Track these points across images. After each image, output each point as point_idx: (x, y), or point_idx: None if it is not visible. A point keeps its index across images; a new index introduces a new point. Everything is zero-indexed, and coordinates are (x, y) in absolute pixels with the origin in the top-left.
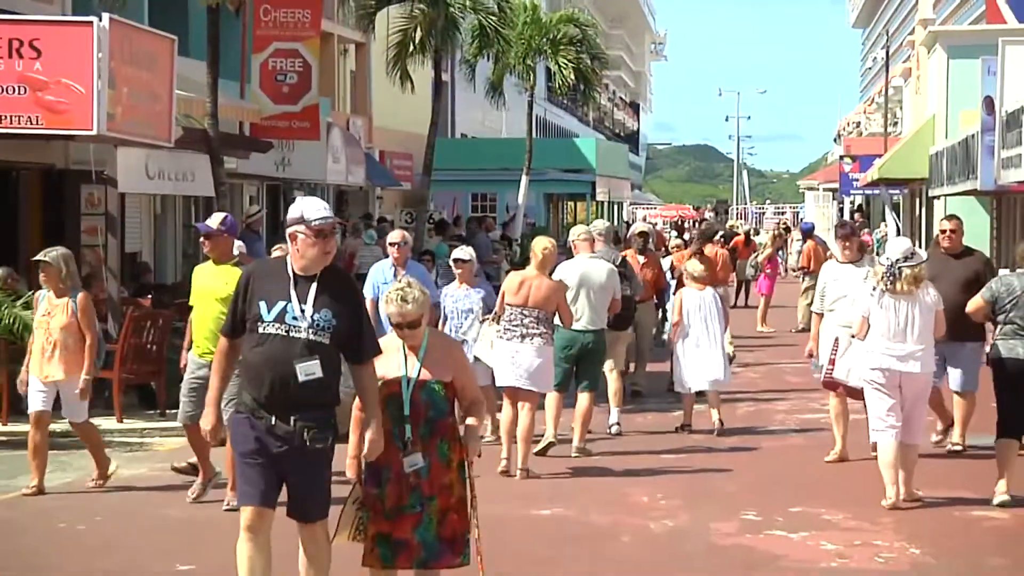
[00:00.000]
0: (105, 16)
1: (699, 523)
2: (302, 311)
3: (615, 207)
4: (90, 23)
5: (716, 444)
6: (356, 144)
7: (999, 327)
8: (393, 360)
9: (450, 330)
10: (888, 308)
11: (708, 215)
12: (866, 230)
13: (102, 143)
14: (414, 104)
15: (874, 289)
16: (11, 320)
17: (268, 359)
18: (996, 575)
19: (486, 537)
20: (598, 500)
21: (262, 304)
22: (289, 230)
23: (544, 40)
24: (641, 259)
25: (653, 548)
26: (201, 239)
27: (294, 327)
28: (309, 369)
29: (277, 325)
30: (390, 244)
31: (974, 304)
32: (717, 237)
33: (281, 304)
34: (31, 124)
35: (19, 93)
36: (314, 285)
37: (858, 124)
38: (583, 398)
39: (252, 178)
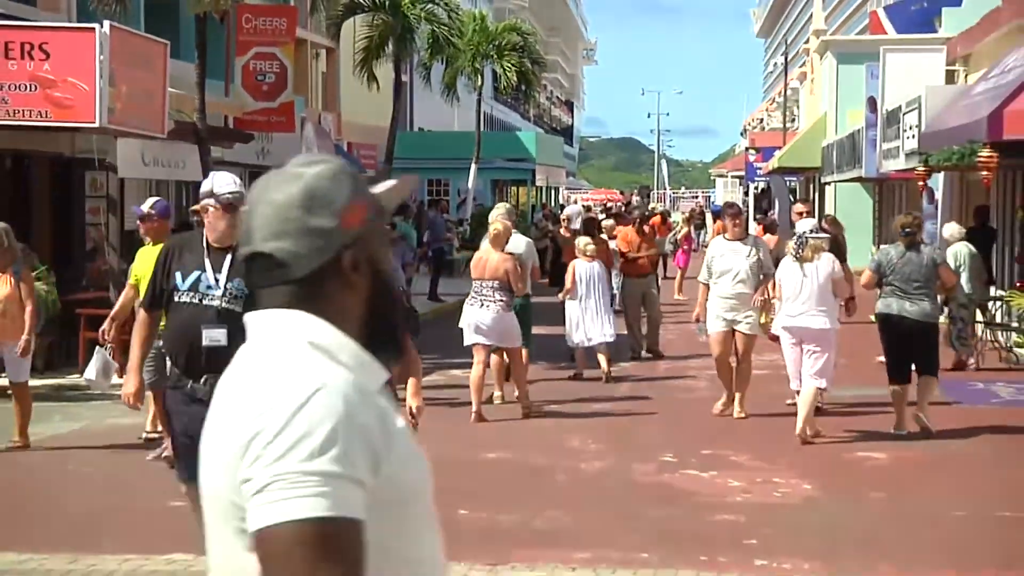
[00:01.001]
0: (106, 23)
1: (623, 464)
2: (216, 280)
3: (552, 191)
4: (92, 29)
5: (638, 396)
6: (327, 136)
7: (884, 289)
8: None
9: None
10: (796, 273)
11: (635, 199)
12: (771, 212)
13: (103, 134)
14: (377, 101)
15: (794, 259)
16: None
17: (182, 325)
18: (875, 506)
19: (444, 477)
20: (537, 445)
21: (178, 275)
22: (200, 203)
23: (490, 47)
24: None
25: (584, 485)
26: (136, 222)
27: (207, 295)
28: (214, 336)
29: (191, 294)
30: None
31: (866, 277)
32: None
33: (196, 274)
34: (41, 117)
35: (30, 90)
36: (229, 256)
37: (761, 120)
38: (524, 354)
39: (236, 165)
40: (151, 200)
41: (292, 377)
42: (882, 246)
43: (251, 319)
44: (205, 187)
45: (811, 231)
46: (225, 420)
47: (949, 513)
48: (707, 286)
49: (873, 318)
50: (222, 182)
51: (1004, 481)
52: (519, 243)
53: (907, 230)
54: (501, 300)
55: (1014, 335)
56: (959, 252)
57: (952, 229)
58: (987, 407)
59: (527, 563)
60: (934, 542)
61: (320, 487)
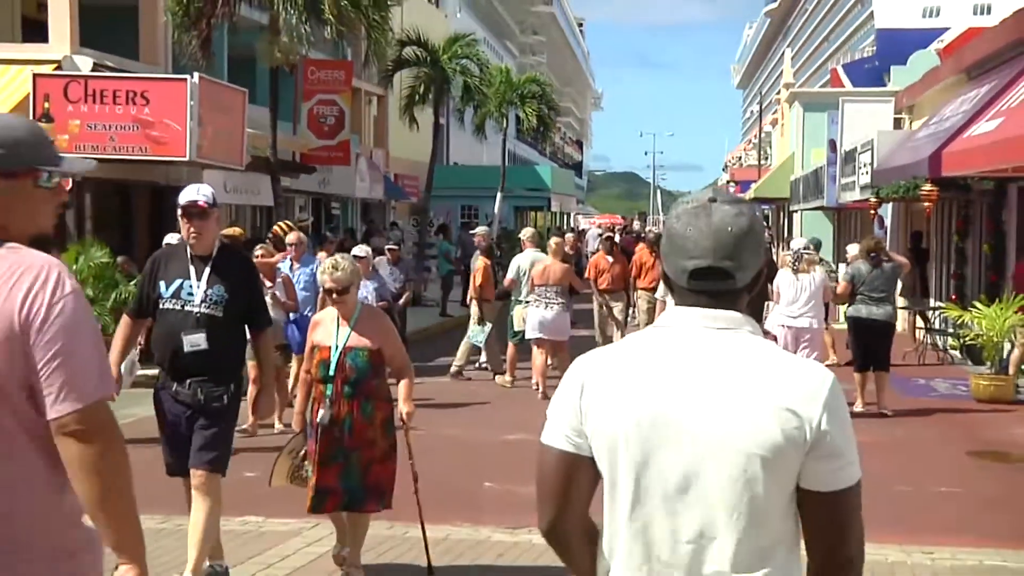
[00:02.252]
0: (196, 74)
1: None
2: (196, 287)
3: (564, 216)
4: (184, 79)
5: None
6: (377, 169)
7: (856, 298)
8: (328, 329)
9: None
10: (792, 283)
11: (636, 223)
12: None
13: (192, 167)
14: (419, 140)
15: (792, 271)
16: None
17: (166, 331)
18: None
19: (471, 456)
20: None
21: (162, 284)
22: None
23: (514, 95)
24: (610, 258)
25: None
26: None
27: (188, 302)
28: (194, 341)
29: (174, 301)
30: (288, 244)
31: (842, 287)
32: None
33: (178, 282)
34: (141, 152)
35: (133, 130)
36: (209, 264)
37: (740, 158)
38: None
39: (301, 193)
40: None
41: (808, 362)
42: (854, 263)
43: (719, 314)
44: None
45: (805, 248)
46: (755, 379)
47: (895, 488)
48: (663, 303)
49: (842, 320)
50: (186, 193)
51: (941, 461)
52: (543, 258)
53: (873, 254)
54: (560, 302)
55: (949, 339)
56: (859, 269)
57: (854, 250)
58: (927, 399)
59: (489, 525)
60: (882, 513)
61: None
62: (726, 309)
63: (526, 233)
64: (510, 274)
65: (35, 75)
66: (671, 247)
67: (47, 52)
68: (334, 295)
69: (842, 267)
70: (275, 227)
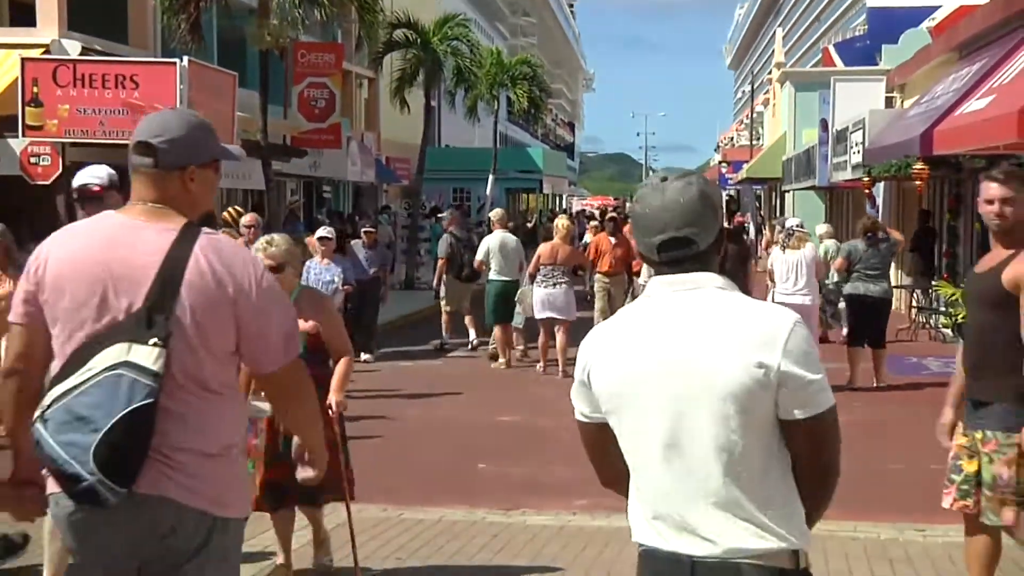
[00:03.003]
0: (185, 58)
1: None
2: None
3: (557, 198)
4: (174, 63)
5: None
6: (368, 152)
7: (852, 275)
8: None
9: None
10: (783, 260)
11: (628, 204)
12: (737, 213)
13: None
14: (410, 123)
15: (782, 249)
16: None
17: None
18: None
19: (466, 437)
20: (543, 411)
21: None
22: None
23: (505, 77)
24: (612, 240)
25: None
26: None
27: None
28: None
29: None
30: (245, 227)
31: (838, 263)
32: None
33: None
34: (131, 136)
35: (123, 114)
36: None
37: (732, 138)
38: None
39: (292, 176)
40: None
41: (772, 308)
42: (850, 240)
43: (683, 277)
44: None
45: (798, 225)
46: (720, 331)
47: (888, 467)
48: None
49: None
50: (80, 176)
51: (933, 440)
52: (511, 239)
53: (869, 234)
54: (565, 281)
55: (941, 318)
56: (828, 247)
57: (823, 229)
58: (919, 377)
59: (535, 508)
60: (875, 491)
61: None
62: (695, 272)
63: (495, 214)
64: (479, 255)
65: (23, 59)
66: (638, 228)
67: (35, 36)
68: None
69: (830, 244)
70: (225, 213)
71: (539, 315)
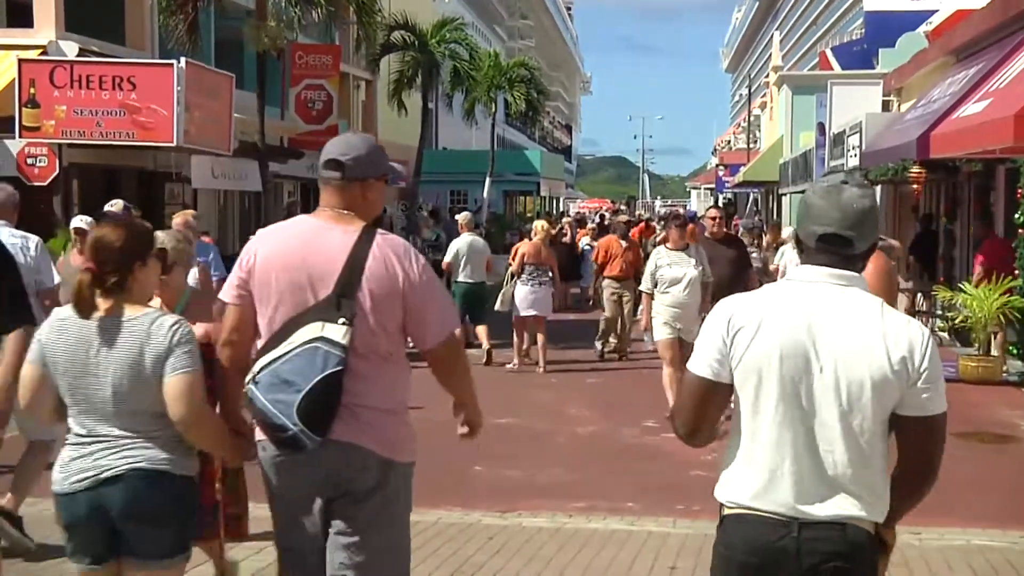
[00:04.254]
0: (183, 60)
1: (612, 429)
2: None
3: (554, 200)
4: (171, 65)
5: (626, 372)
6: None
7: None
8: None
9: None
10: (796, 260)
11: (622, 207)
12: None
13: (180, 152)
14: (408, 125)
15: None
16: None
17: None
18: None
19: (466, 440)
20: (540, 413)
21: None
22: None
23: (503, 79)
24: (624, 243)
25: (579, 447)
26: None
27: None
28: None
29: None
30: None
31: None
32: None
33: None
34: (128, 138)
35: (120, 115)
36: None
37: (729, 141)
38: (481, 330)
39: (289, 178)
40: (118, 202)
41: (911, 320)
42: None
43: (840, 272)
44: None
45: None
46: (869, 327)
47: None
48: (651, 295)
49: None
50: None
51: None
52: (479, 242)
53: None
54: (548, 280)
55: (938, 321)
56: (785, 251)
57: (788, 232)
58: None
59: (531, 511)
60: None
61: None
62: (845, 269)
63: (463, 218)
64: (448, 258)
65: (20, 60)
66: (807, 215)
67: (32, 37)
68: None
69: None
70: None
71: (525, 312)
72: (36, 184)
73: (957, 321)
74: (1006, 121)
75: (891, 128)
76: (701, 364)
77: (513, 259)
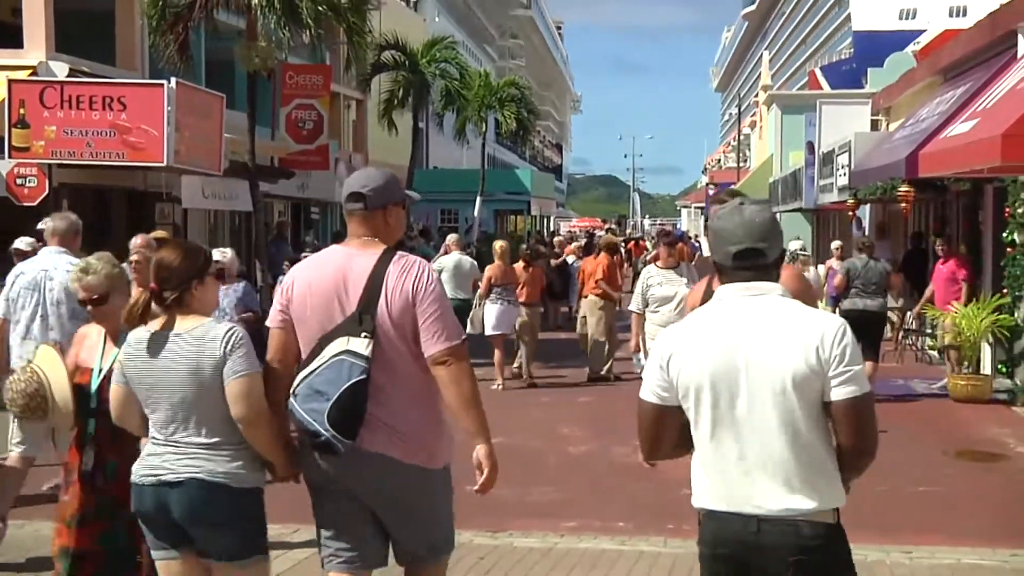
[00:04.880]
0: (173, 80)
1: (604, 448)
2: None
3: (545, 219)
4: (161, 85)
5: (618, 392)
6: None
7: (851, 291)
8: (93, 347)
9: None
10: None
11: (613, 226)
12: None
13: (170, 172)
14: (399, 144)
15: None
16: None
17: None
18: None
19: (456, 460)
20: (532, 432)
21: None
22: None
23: (493, 99)
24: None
25: (570, 466)
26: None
27: None
28: None
29: None
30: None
31: (838, 279)
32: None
33: None
34: (118, 158)
35: (110, 136)
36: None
37: (719, 160)
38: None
39: (280, 198)
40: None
41: (823, 314)
42: (848, 259)
43: (753, 284)
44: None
45: (800, 249)
46: (784, 330)
47: (874, 488)
48: (641, 315)
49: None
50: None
51: (919, 461)
52: (465, 261)
53: (862, 247)
54: (513, 299)
55: (927, 339)
56: (854, 264)
57: (795, 245)
58: (906, 399)
59: (523, 531)
60: (861, 513)
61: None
62: (761, 281)
63: (451, 238)
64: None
65: (10, 81)
66: (718, 239)
67: (22, 58)
68: (88, 306)
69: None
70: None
71: (495, 331)
72: (26, 205)
73: (946, 339)
74: (993, 141)
75: (880, 147)
76: (648, 392)
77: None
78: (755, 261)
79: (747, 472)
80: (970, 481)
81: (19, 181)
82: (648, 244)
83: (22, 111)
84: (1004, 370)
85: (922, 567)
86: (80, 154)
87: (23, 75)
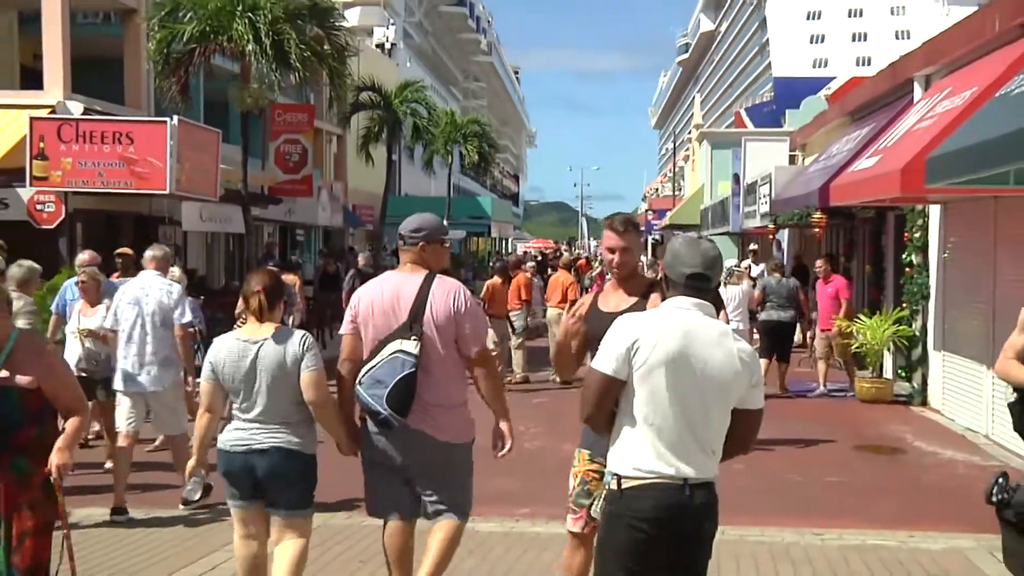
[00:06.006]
0: (175, 117)
1: (556, 443)
2: None
3: (503, 241)
4: (165, 122)
5: (567, 394)
6: (337, 200)
7: (766, 304)
8: None
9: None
10: (724, 293)
11: (563, 248)
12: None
13: (172, 199)
14: (374, 174)
15: (724, 285)
16: None
17: None
18: (736, 475)
19: None
20: (489, 429)
21: None
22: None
23: (458, 134)
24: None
25: (525, 460)
26: None
27: None
28: None
29: None
30: (79, 266)
31: (756, 294)
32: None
33: None
34: (127, 186)
35: (119, 166)
36: None
37: (657, 189)
38: None
39: (270, 221)
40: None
41: (743, 342)
42: (764, 277)
43: (704, 303)
44: None
45: (736, 266)
46: (724, 344)
47: (790, 478)
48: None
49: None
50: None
51: (830, 453)
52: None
53: (775, 268)
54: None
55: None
56: (769, 282)
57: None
58: (818, 400)
59: (482, 516)
60: (779, 500)
61: None
62: (704, 300)
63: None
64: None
65: (32, 118)
66: (676, 260)
67: (43, 98)
68: None
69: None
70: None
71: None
72: (44, 227)
73: (853, 348)
74: (894, 175)
75: (797, 179)
76: (605, 364)
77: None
78: (702, 284)
79: (684, 445)
80: (874, 472)
81: (39, 207)
82: (594, 263)
83: (42, 145)
84: (904, 374)
85: (832, 547)
86: (93, 183)
87: (43, 113)
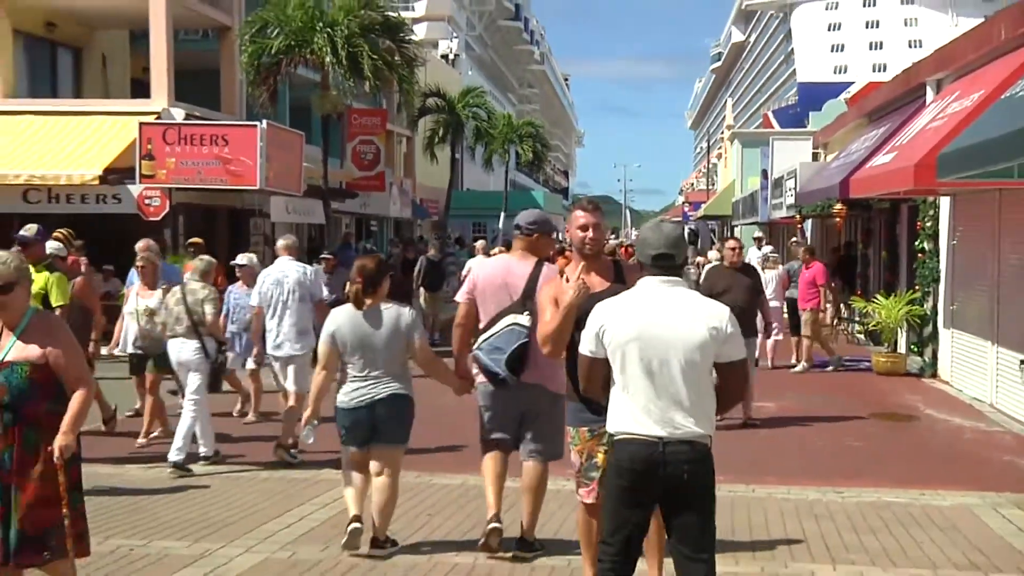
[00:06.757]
0: (264, 121)
1: None
2: None
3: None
4: (255, 125)
5: None
6: (406, 194)
7: (792, 286)
8: None
9: (233, 321)
10: (767, 276)
11: (610, 236)
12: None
13: (262, 194)
14: (439, 171)
15: (762, 269)
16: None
17: None
18: (760, 439)
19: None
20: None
21: None
22: None
23: (514, 135)
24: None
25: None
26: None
27: None
28: None
29: None
30: (139, 250)
31: (784, 278)
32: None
33: None
34: (222, 183)
35: (216, 165)
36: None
37: (692, 184)
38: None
39: (347, 214)
40: (33, 226)
41: (715, 303)
42: (788, 263)
43: (668, 278)
44: None
45: (772, 252)
46: (691, 310)
47: (813, 443)
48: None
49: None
50: (23, 230)
51: (849, 421)
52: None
53: (806, 257)
54: None
55: (856, 325)
56: (792, 266)
57: (714, 255)
58: (839, 373)
59: (452, 473)
60: (803, 462)
61: None
62: (672, 276)
63: (479, 244)
64: (464, 271)
65: (141, 124)
66: (644, 244)
67: (150, 105)
68: None
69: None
70: (57, 232)
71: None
72: (151, 219)
73: (871, 326)
74: (908, 169)
75: (819, 174)
76: (584, 347)
77: None
78: (667, 263)
79: (660, 407)
80: (888, 438)
81: (146, 201)
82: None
83: (149, 147)
84: (916, 350)
85: (851, 504)
86: (192, 180)
87: (150, 119)
